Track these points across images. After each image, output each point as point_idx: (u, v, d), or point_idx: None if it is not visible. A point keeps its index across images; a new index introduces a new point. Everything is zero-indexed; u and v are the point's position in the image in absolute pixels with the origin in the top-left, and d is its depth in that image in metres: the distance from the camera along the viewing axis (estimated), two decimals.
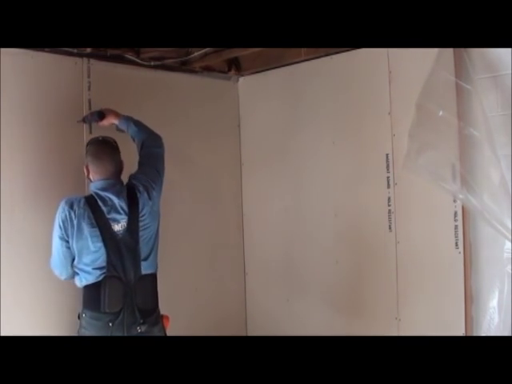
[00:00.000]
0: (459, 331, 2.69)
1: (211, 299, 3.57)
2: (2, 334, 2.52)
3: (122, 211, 2.41)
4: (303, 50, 3.32)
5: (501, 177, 2.50)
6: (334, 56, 3.28)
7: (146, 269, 2.44)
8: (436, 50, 2.66)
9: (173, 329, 2.56)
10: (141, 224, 2.45)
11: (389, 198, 3.06)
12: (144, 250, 2.45)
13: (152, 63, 3.24)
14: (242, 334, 3.73)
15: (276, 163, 3.70)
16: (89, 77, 2.95)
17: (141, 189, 2.50)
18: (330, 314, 3.34)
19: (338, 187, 3.38)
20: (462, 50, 2.64)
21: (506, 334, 2.48)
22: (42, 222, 2.80)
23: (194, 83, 3.56)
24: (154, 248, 2.52)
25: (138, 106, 3.22)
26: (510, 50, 2.48)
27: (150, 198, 2.51)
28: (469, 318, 2.68)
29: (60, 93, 2.88)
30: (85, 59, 2.96)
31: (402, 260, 2.99)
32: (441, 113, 2.71)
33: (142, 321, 2.35)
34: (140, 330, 2.33)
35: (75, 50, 2.88)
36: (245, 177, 3.87)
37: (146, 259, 2.45)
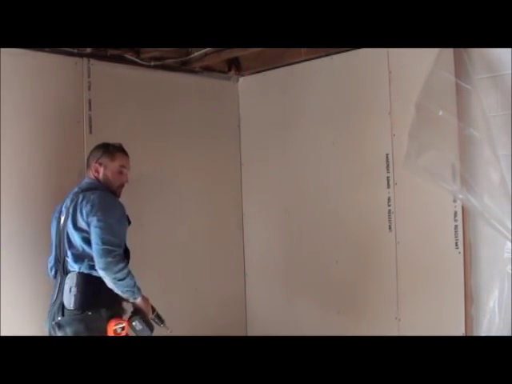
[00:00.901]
0: (459, 331, 2.70)
1: (211, 299, 3.57)
2: (2, 334, 2.52)
3: (66, 204, 2.45)
4: (303, 50, 3.32)
5: (501, 177, 2.50)
6: (334, 56, 3.28)
7: (72, 266, 2.37)
8: (436, 50, 2.66)
9: (173, 328, 2.56)
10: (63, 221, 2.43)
11: (389, 198, 3.07)
12: (64, 248, 2.40)
13: (152, 63, 3.24)
14: (242, 334, 3.73)
15: (276, 163, 3.71)
16: (89, 77, 2.95)
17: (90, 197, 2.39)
18: (330, 314, 3.34)
19: (337, 187, 3.38)
20: (462, 50, 2.65)
21: (506, 333, 2.48)
22: (42, 222, 2.81)
23: (194, 83, 3.56)
24: (83, 251, 2.37)
25: (138, 105, 3.22)
26: (509, 50, 2.48)
27: (86, 212, 2.35)
28: (469, 318, 2.68)
29: (60, 93, 2.88)
30: (85, 59, 2.96)
31: (402, 260, 2.99)
32: (441, 113, 2.71)
33: (59, 318, 2.32)
34: (54, 327, 2.33)
35: (75, 50, 2.88)
36: (245, 177, 3.87)
37: (68, 256, 2.38)
